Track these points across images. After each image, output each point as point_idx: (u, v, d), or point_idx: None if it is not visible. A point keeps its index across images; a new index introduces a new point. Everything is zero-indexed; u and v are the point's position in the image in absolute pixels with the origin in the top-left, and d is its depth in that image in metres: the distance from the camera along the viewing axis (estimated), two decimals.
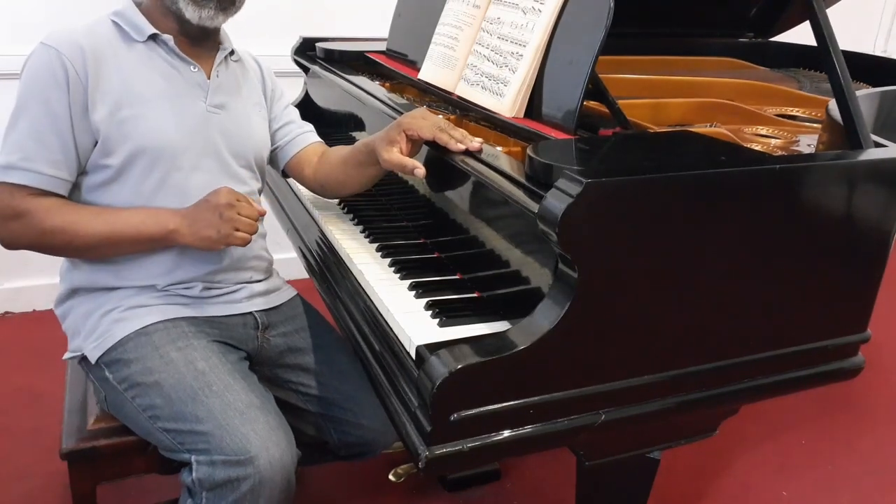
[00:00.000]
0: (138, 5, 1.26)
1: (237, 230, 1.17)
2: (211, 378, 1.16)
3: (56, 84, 1.15)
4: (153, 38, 1.24)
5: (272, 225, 1.50)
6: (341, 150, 1.46)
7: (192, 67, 1.27)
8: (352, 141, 1.73)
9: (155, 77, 1.24)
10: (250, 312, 1.34)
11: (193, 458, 1.12)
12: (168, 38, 1.25)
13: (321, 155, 1.50)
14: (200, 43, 1.29)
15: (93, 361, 1.22)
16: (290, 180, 1.70)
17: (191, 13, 1.21)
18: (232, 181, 1.30)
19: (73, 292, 1.29)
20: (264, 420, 1.13)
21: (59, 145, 1.16)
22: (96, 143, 1.19)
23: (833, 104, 1.23)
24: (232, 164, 1.31)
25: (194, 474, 1.11)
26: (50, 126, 1.15)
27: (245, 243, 1.20)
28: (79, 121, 1.17)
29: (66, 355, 1.31)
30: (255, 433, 1.10)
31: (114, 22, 1.25)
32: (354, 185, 1.44)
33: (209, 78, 1.30)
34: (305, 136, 1.52)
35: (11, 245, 1.19)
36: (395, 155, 1.24)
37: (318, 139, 1.54)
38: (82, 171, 1.21)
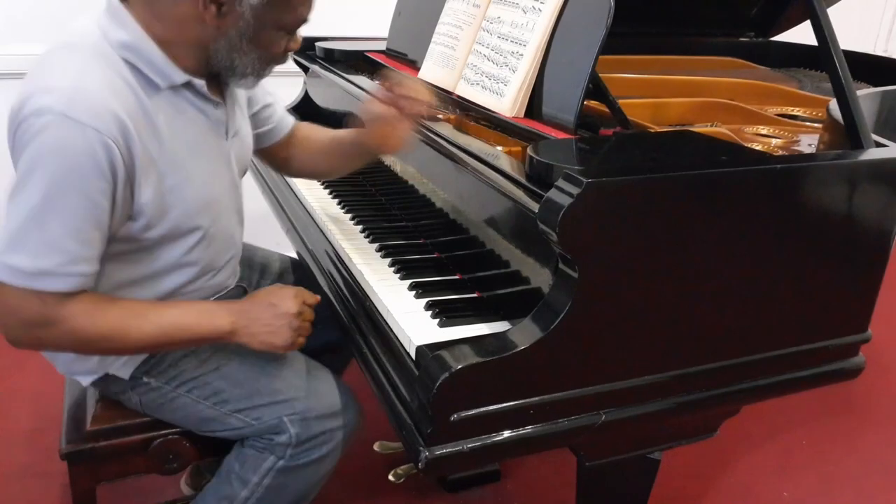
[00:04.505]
0: (155, 36, 1.01)
1: (300, 336, 1.15)
2: (266, 352, 1.18)
3: (100, 173, 0.94)
4: (185, 83, 1.06)
5: (272, 225, 1.49)
6: (321, 138, 1.43)
7: (215, 106, 1.13)
8: None
9: (188, 130, 1.08)
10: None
11: (285, 418, 1.17)
12: (201, 83, 1.07)
13: (298, 138, 1.44)
14: None
15: (126, 378, 1.18)
16: (290, 179, 1.70)
17: (233, 83, 1.14)
18: (235, 192, 1.25)
19: None
20: (330, 376, 1.24)
21: (100, 238, 0.99)
22: (130, 216, 1.03)
23: (834, 104, 1.23)
24: (237, 181, 1.25)
25: (291, 430, 1.16)
26: (92, 221, 0.96)
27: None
28: (122, 207, 1.00)
29: (85, 380, 1.21)
30: (332, 388, 1.21)
31: (129, 63, 1.00)
32: (338, 174, 1.46)
33: (225, 105, 1.17)
34: (284, 121, 1.42)
35: (39, 349, 1.08)
36: (395, 140, 1.25)
37: (293, 120, 1.45)
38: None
